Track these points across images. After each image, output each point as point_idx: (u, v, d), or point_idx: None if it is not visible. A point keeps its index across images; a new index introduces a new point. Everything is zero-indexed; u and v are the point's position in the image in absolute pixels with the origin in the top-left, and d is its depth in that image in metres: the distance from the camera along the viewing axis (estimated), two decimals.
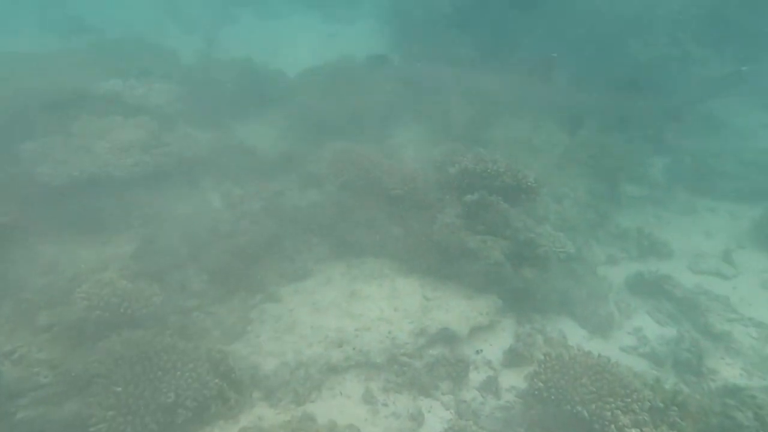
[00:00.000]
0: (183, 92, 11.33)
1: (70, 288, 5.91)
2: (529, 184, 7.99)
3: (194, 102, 11.52)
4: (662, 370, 6.92)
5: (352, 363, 6.40)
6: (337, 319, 6.96)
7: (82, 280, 6.00)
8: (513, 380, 6.45)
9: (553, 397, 5.28)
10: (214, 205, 9.06)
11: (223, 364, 5.60)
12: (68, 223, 7.53)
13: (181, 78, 12.07)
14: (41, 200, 7.37)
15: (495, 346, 6.98)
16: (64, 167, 7.72)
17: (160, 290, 6.18)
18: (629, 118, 12.11)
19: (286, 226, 8.42)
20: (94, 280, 5.68)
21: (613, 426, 4.94)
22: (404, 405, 5.97)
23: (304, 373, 6.07)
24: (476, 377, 6.48)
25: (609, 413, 5.02)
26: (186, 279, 7.21)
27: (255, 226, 8.07)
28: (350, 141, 10.61)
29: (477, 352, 6.86)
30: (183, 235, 7.81)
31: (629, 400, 5.12)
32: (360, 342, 6.59)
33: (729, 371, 7.03)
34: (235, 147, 10.55)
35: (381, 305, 7.23)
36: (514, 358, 6.75)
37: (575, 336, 7.44)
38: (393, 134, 12.07)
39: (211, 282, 7.22)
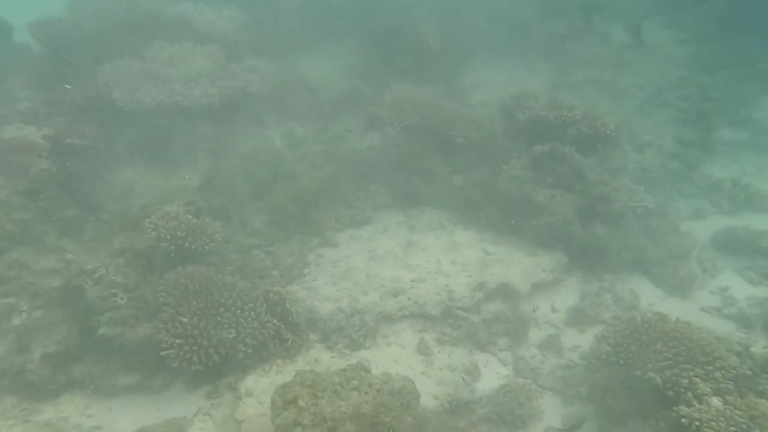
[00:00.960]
0: (250, 20, 11.12)
1: (141, 216, 6.06)
2: (608, 132, 7.48)
3: (261, 31, 11.33)
4: (751, 333, 6.44)
5: (406, 313, 6.39)
6: (393, 268, 6.94)
7: (151, 210, 6.14)
8: (577, 339, 6.31)
9: (621, 362, 5.04)
10: (275, 144, 9.02)
11: (280, 305, 5.68)
12: (140, 150, 7.69)
13: (249, 5, 11.81)
14: (116, 124, 7.51)
15: (558, 304, 6.82)
16: (137, 93, 7.78)
17: (222, 227, 6.26)
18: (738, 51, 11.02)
19: (344, 171, 8.34)
20: (162, 213, 5.79)
21: (690, 393, 4.59)
22: (459, 358, 5.95)
23: (359, 320, 6.12)
24: (536, 335, 6.38)
25: (686, 380, 4.69)
26: (246, 218, 7.30)
27: (315, 169, 8.01)
28: (417, 81, 10.26)
29: (534, 309, 6.71)
30: (244, 173, 7.86)
31: (710, 367, 4.73)
32: (415, 293, 6.56)
33: None
34: (298, 83, 10.39)
35: (438, 257, 7.14)
36: (578, 317, 6.60)
37: (649, 296, 7.12)
38: (464, 74, 11.59)
39: (270, 222, 7.28)
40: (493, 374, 5.86)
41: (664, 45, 12.16)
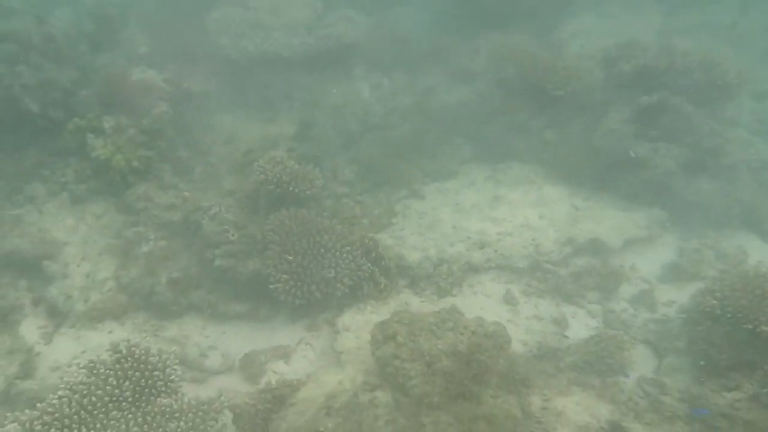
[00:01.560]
0: None
1: (246, 160, 6.55)
2: (729, 81, 7.08)
3: None
4: None
5: (492, 265, 6.62)
6: (480, 221, 7.14)
7: (255, 155, 6.60)
8: (672, 295, 6.26)
9: (729, 316, 4.96)
10: (364, 95, 9.25)
11: (374, 251, 6.07)
12: (242, 96, 8.14)
13: None
14: (223, 71, 7.98)
15: (653, 260, 6.77)
16: (241, 41, 8.18)
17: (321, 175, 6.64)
18: None
19: (433, 124, 8.48)
20: (269, 157, 6.24)
21: None
22: (546, 309, 6.12)
23: (447, 269, 6.43)
24: (628, 290, 6.39)
25: None
26: (337, 167, 7.65)
27: (403, 121, 8.21)
28: (511, 32, 10.04)
29: (623, 265, 6.64)
30: (336, 123, 8.18)
31: None
32: (502, 246, 6.76)
33: None
34: (388, 34, 10.48)
35: (525, 212, 7.27)
36: (676, 273, 6.53)
37: (760, 253, 6.78)
38: (560, 24, 11.17)
39: (359, 173, 7.61)
40: (581, 325, 5.97)
41: None
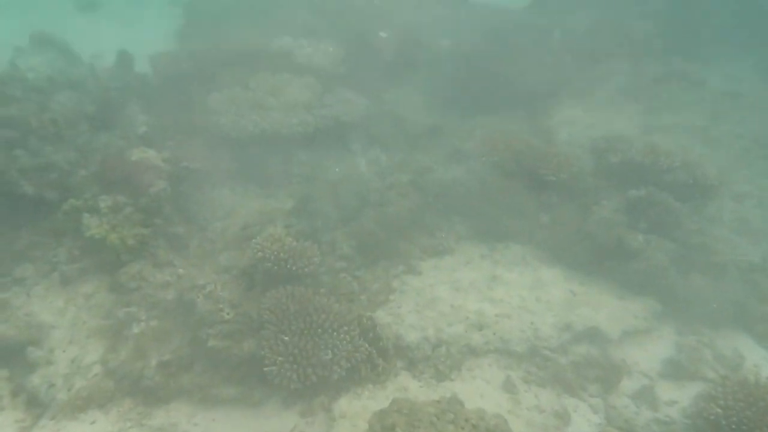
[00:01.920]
0: (345, 55, 11.65)
1: (243, 235, 6.50)
2: (709, 181, 7.42)
3: (354, 65, 11.82)
4: None
5: (491, 348, 6.45)
6: (478, 301, 7.03)
7: (252, 230, 6.56)
8: (674, 394, 6.14)
9: (734, 427, 4.87)
10: (362, 170, 9.38)
11: (372, 331, 5.92)
12: (241, 173, 8.22)
13: (345, 41, 12.38)
14: (222, 149, 8.09)
15: (651, 354, 6.67)
16: (241, 120, 8.35)
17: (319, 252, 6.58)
18: None
19: (430, 201, 8.56)
20: (267, 235, 6.19)
21: None
22: (548, 400, 5.93)
23: (445, 351, 6.25)
24: (629, 384, 6.24)
25: None
26: (336, 242, 7.60)
27: (401, 198, 8.27)
28: (501, 116, 10.42)
29: (621, 359, 6.60)
30: (334, 198, 8.23)
31: None
32: (500, 328, 6.63)
33: None
34: (386, 114, 10.79)
35: (522, 294, 7.20)
36: (675, 369, 6.43)
37: (754, 356, 6.80)
38: (549, 112, 11.64)
39: (358, 248, 7.55)
40: (584, 420, 5.77)
41: (765, 95, 11.81)
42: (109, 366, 5.63)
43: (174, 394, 5.62)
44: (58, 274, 6.46)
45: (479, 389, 6.03)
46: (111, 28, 9.88)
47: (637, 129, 10.80)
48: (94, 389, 5.49)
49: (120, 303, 6.09)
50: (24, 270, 6.52)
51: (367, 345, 5.81)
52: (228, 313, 5.75)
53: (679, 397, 6.05)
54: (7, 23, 12.32)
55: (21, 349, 5.67)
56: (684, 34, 13.16)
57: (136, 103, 9.09)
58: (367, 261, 7.58)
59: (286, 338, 5.45)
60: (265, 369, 5.35)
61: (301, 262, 6.12)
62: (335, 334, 5.60)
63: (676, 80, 11.75)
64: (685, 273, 7.15)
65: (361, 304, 6.75)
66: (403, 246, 7.85)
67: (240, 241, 6.64)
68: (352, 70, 11.47)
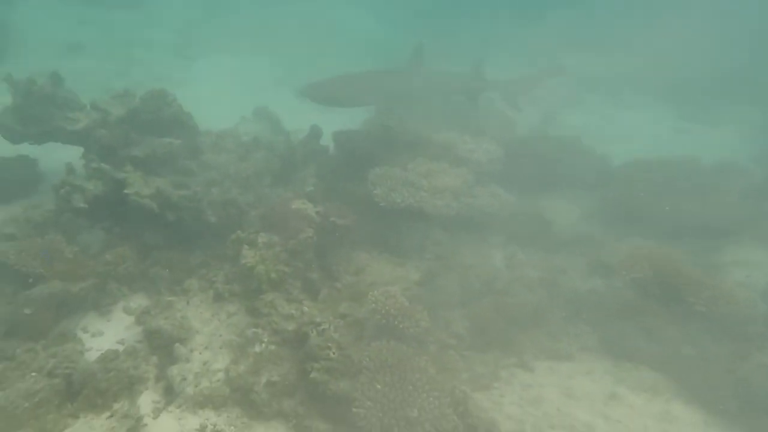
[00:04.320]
0: (505, 156, 12.26)
1: (366, 291, 7.07)
2: None
3: (511, 166, 12.36)
4: None
5: None
6: (589, 414, 6.60)
7: (376, 288, 7.11)
8: None
9: None
10: (495, 262, 9.57)
11: (463, 405, 5.92)
12: (380, 240, 8.97)
13: (508, 144, 13.04)
14: (369, 214, 8.97)
15: None
16: (391, 194, 9.23)
17: (429, 319, 6.87)
18: None
19: (559, 304, 8.39)
20: (383, 290, 6.71)
21: None
22: None
23: None
24: None
25: None
26: (452, 319, 7.80)
27: (527, 292, 8.27)
28: (662, 244, 9.89)
29: None
30: (461, 279, 8.52)
31: None
32: None
33: None
34: (533, 216, 10.97)
35: (646, 422, 6.56)
36: None
37: None
38: (722, 250, 10.71)
39: (472, 329, 7.65)
40: None
41: None
42: (229, 374, 6.38)
43: (275, 414, 6.14)
44: (213, 292, 7.60)
45: None
46: (319, 113, 11.81)
47: None
48: (214, 392, 6.23)
49: (251, 324, 6.95)
50: (191, 283, 7.79)
51: (455, 417, 5.83)
52: (333, 352, 6.24)
53: None
54: (251, 100, 15.32)
55: (170, 344, 6.70)
56: None
57: (312, 168, 10.58)
58: (480, 345, 7.62)
59: (379, 386, 5.75)
60: (354, 410, 5.66)
61: (409, 322, 6.46)
62: (425, 395, 5.75)
63: None
64: None
65: (462, 380, 6.78)
66: (519, 340, 7.75)
67: (363, 296, 7.21)
68: (510, 171, 11.97)
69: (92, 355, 6.41)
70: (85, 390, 5.71)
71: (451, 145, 11.70)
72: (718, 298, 7.23)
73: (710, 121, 20.29)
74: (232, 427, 5.95)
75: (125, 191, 7.86)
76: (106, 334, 6.87)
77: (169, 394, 6.24)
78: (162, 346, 6.70)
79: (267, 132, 14.26)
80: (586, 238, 10.52)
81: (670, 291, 7.52)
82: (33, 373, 5.66)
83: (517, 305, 8.02)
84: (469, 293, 8.29)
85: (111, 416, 5.65)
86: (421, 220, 9.40)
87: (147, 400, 6.12)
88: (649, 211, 10.82)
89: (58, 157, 9.10)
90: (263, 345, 6.61)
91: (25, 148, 9.65)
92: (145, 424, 5.76)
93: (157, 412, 5.98)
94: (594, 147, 13.73)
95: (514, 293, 8.28)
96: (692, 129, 19.86)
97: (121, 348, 6.59)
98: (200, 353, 6.74)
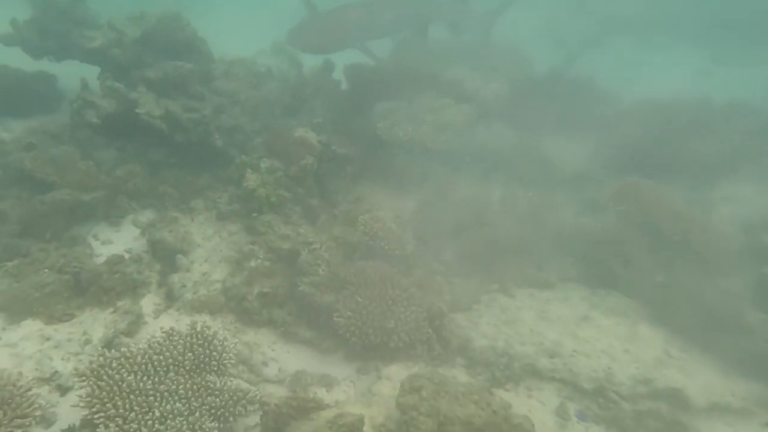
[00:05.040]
0: (516, 95, 12.24)
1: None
2: None
3: (521, 106, 12.36)
4: None
5: (556, 376, 6.44)
6: (560, 334, 7.02)
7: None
8: None
9: None
10: (491, 198, 9.80)
11: (439, 319, 6.39)
12: (380, 171, 9.28)
13: (520, 83, 12.94)
14: (372, 147, 9.26)
15: None
16: (394, 128, 9.47)
17: (418, 247, 7.25)
18: None
19: (546, 237, 8.67)
20: (372, 215, 7.10)
21: None
22: None
23: (507, 362, 6.43)
24: None
25: None
26: (441, 247, 8.17)
27: (517, 224, 8.54)
28: (658, 181, 10.00)
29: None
30: (455, 212, 8.82)
31: None
32: (573, 362, 6.58)
33: None
34: (535, 155, 11.08)
35: (611, 341, 6.98)
36: None
37: None
38: (718, 188, 10.81)
39: (460, 258, 8.04)
40: None
41: None
42: (225, 285, 6.92)
43: (265, 322, 6.71)
44: (216, 211, 8.07)
45: (529, 406, 6.10)
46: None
47: None
48: (210, 299, 6.79)
49: (248, 242, 7.43)
50: (197, 203, 8.27)
51: (430, 330, 6.30)
52: (323, 270, 6.70)
53: None
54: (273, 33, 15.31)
55: (173, 255, 7.24)
56: None
57: (322, 100, 10.79)
58: (465, 272, 8.01)
59: (359, 299, 6.22)
60: (335, 318, 6.16)
61: (395, 245, 6.87)
62: (402, 309, 6.21)
63: None
64: None
65: (443, 301, 7.21)
66: (504, 269, 8.11)
67: (354, 221, 7.59)
68: (519, 110, 11.99)
69: (100, 261, 6.98)
70: (92, 288, 6.30)
71: (458, 81, 11.74)
72: (693, 228, 7.46)
73: (741, 63, 19.67)
74: (226, 332, 6.51)
75: (137, 110, 8.24)
76: (115, 243, 7.44)
77: (170, 298, 6.83)
78: (165, 256, 7.25)
79: (284, 66, 14.40)
80: (586, 178, 10.64)
81: (650, 222, 7.77)
82: (45, 270, 6.25)
83: (505, 237, 8.33)
84: (461, 225, 8.61)
85: (114, 312, 6.25)
86: (423, 154, 9.64)
87: (149, 302, 6.71)
88: (652, 151, 10.86)
89: (77, 75, 9.47)
90: (258, 260, 7.09)
91: (45, 65, 9.99)
92: (146, 322, 6.37)
93: (157, 313, 6.59)
94: (609, 89, 13.57)
95: (503, 226, 8.57)
96: (718, 71, 19.32)
97: (127, 255, 7.15)
98: (200, 265, 7.27)
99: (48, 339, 5.92)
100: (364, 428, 4.98)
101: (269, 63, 13.55)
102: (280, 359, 6.37)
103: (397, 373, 5.98)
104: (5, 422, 4.32)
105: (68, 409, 5.16)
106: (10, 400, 4.46)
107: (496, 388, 6.19)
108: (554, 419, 5.95)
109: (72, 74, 10.26)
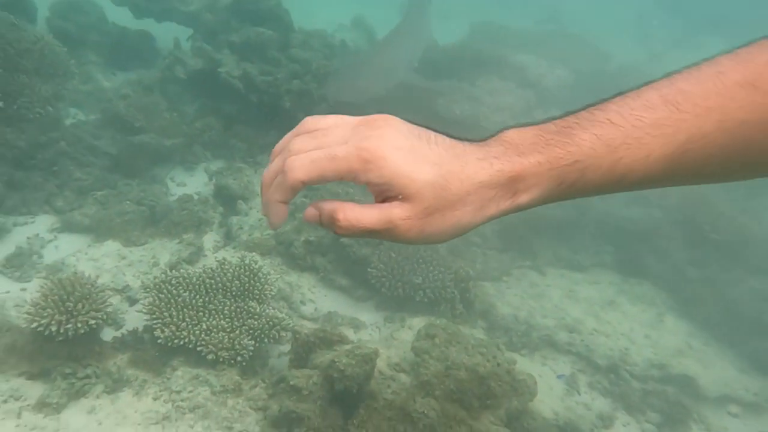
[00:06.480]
0: (578, 85, 12.31)
1: None
2: None
3: (585, 97, 12.37)
4: None
5: (572, 350, 6.78)
6: (583, 313, 7.31)
7: None
8: None
9: None
10: None
11: (465, 282, 6.84)
12: None
13: (589, 76, 12.95)
14: (430, 122, 9.61)
15: (748, 426, 6.20)
16: (453, 105, 9.88)
17: None
18: None
19: (587, 223, 8.85)
20: None
21: None
22: (601, 405, 6.10)
23: (525, 329, 6.82)
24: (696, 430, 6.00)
25: None
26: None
27: (557, 207, 8.78)
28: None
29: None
30: None
31: None
32: (591, 340, 6.88)
33: None
34: None
35: (633, 326, 7.21)
36: None
37: None
38: None
39: (498, 233, 8.41)
40: None
41: None
42: (277, 231, 7.67)
43: (308, 267, 7.40)
44: None
45: (541, 372, 6.48)
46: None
47: None
48: (263, 241, 7.56)
49: (302, 195, 8.13)
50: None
51: (455, 291, 6.78)
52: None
53: None
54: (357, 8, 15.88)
55: (235, 200, 8.05)
56: None
57: None
58: (500, 246, 8.39)
59: (393, 255, 6.78)
60: (369, 269, 6.76)
61: None
62: (431, 268, 6.72)
63: None
64: None
65: (474, 268, 7.64)
66: (539, 248, 8.43)
67: None
68: (578, 102, 12.01)
69: (173, 199, 7.91)
70: (164, 220, 7.22)
71: (524, 67, 11.94)
72: (730, 227, 7.47)
73: None
74: (274, 272, 7.26)
75: (219, 70, 9.12)
76: (188, 186, 8.37)
77: (228, 237, 7.66)
78: (228, 200, 8.09)
79: (360, 40, 15.05)
80: None
81: (691, 220, 7.82)
82: (128, 201, 7.22)
83: (546, 217, 8.60)
84: None
85: (180, 242, 7.13)
86: (478, 132, 9.98)
87: (209, 238, 7.56)
88: None
89: (172, 36, 10.50)
90: None
91: (147, 24, 11.11)
92: (205, 255, 7.23)
93: (216, 249, 7.43)
94: None
95: (546, 207, 8.80)
96: None
97: (196, 197, 8.04)
98: (258, 211, 8.06)
99: (123, 258, 6.89)
100: (381, 366, 5.59)
101: (346, 36, 14.28)
102: (317, 301, 7.05)
103: (419, 324, 6.50)
104: (83, 312, 5.21)
105: (134, 316, 6.08)
106: (88, 296, 5.35)
107: (510, 351, 6.60)
108: (562, 386, 6.30)
109: (167, 35, 11.37)
